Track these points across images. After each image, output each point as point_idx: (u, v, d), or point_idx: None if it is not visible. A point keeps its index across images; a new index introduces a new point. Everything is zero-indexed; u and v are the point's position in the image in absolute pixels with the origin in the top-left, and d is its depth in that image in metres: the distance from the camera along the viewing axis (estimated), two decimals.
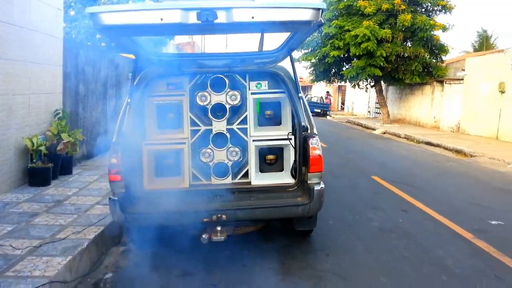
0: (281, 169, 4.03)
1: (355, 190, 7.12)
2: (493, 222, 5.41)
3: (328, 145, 12.88)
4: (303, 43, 19.71)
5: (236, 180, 3.96)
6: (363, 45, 16.86)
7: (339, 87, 36.10)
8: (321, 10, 2.70)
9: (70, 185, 6.18)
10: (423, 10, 18.80)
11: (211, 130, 3.92)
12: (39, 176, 6.04)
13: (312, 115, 15.83)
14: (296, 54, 20.33)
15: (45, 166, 6.06)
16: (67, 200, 5.38)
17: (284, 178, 3.90)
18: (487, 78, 14.76)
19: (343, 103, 36.47)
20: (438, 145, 13.42)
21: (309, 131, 3.73)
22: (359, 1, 17.80)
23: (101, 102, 9.09)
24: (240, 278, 3.68)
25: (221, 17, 2.63)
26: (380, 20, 17.74)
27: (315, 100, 30.14)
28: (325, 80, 21.79)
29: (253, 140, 3.89)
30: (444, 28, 18.00)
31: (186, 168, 3.83)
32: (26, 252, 3.67)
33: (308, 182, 3.66)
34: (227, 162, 3.91)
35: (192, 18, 2.63)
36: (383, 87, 21.89)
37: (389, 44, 17.55)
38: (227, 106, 3.89)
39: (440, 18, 19.10)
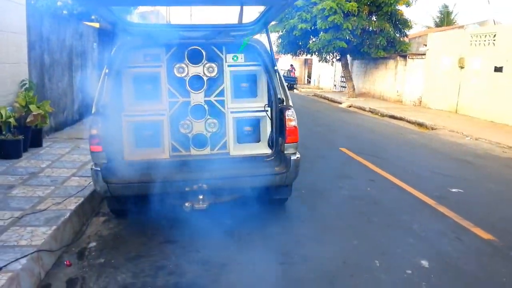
0: (258, 140, 4.17)
1: (325, 161, 7.40)
2: (454, 190, 5.82)
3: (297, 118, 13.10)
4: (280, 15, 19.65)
5: (215, 151, 4.08)
6: (330, 19, 17.01)
7: (306, 60, 36.30)
8: None
9: (42, 158, 6.11)
10: None
11: (189, 102, 3.99)
12: (10, 148, 5.92)
13: None
14: None
15: (16, 138, 5.94)
16: (41, 172, 5.34)
17: (262, 148, 4.05)
18: (448, 54, 15.32)
19: (309, 77, 36.78)
20: (401, 118, 13.96)
21: (285, 103, 3.87)
22: None
23: (67, 73, 8.85)
24: (222, 244, 3.86)
25: None
26: None
27: (282, 74, 30.25)
28: (291, 53, 21.83)
29: (231, 112, 4.00)
30: (408, 3, 18.37)
31: (166, 139, 3.90)
32: (9, 223, 3.69)
33: (285, 152, 3.83)
34: (206, 134, 4.01)
35: None
36: (348, 62, 22.25)
37: (355, 18, 17.78)
38: (205, 78, 3.96)
39: None
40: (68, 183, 4.96)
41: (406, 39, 19.60)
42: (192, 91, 3.97)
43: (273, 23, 20.10)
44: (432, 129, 11.89)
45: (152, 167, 3.80)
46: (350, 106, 18.25)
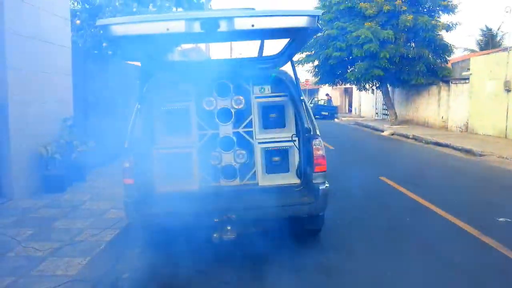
0: (287, 170, 4.16)
1: (363, 190, 7.22)
2: (501, 219, 5.47)
3: (335, 147, 12.98)
4: (305, 46, 19.90)
5: (244, 182, 4.10)
6: (365, 47, 16.97)
7: (346, 89, 36.14)
8: (317, 17, 2.85)
9: (84, 191, 6.37)
10: (425, 10, 18.86)
11: (218, 133, 4.07)
12: (55, 182, 6.23)
13: (320, 118, 16.21)
14: (298, 56, 20.51)
15: (60, 173, 6.25)
16: (82, 205, 5.57)
17: (290, 178, 4.03)
18: (492, 77, 14.78)
19: (350, 106, 36.50)
20: (446, 145, 13.45)
21: (312, 133, 3.87)
22: (360, 3, 17.92)
23: (111, 110, 9.29)
24: (251, 275, 3.82)
25: (223, 26, 2.80)
26: (382, 21, 17.85)
27: (322, 103, 30.24)
28: (329, 83, 21.85)
29: (259, 143, 4.04)
30: (448, 28, 18.04)
31: (195, 171, 3.98)
32: (48, 254, 3.84)
33: (313, 181, 3.79)
34: (235, 164, 4.06)
35: (196, 28, 2.80)
36: (389, 89, 21.96)
37: (392, 45, 17.64)
38: (232, 110, 4.05)
39: (445, 18, 19.07)
40: (107, 215, 5.12)
41: (448, 65, 19.14)
42: (220, 123, 4.06)
43: (307, 53, 20.37)
44: (480, 155, 11.34)
45: (182, 198, 3.87)
46: (392, 134, 17.84)
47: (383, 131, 18.83)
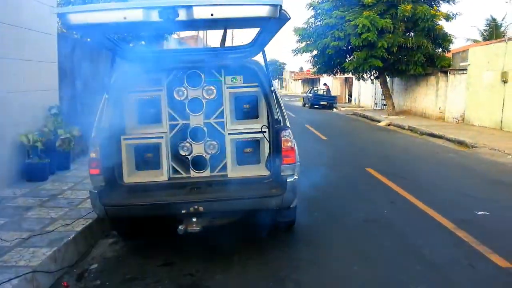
0: (258, 162, 4.13)
1: (346, 182, 7.20)
2: (480, 213, 5.44)
3: (329, 138, 12.94)
4: (304, 34, 19.73)
5: (215, 173, 4.08)
6: (363, 36, 16.81)
7: (346, 79, 35.93)
8: (279, 6, 2.78)
9: (67, 180, 6.36)
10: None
11: (189, 124, 4.03)
12: (36, 171, 6.23)
13: (319, 108, 16.17)
14: (296, 45, 20.36)
15: (42, 161, 6.24)
16: (61, 194, 5.56)
17: (260, 170, 4.00)
18: (490, 68, 14.62)
19: (350, 95, 36.30)
20: (440, 137, 13.38)
21: (282, 124, 3.82)
22: None
23: (100, 98, 9.23)
24: (218, 268, 3.82)
25: (182, 15, 2.75)
26: (381, 10, 17.63)
27: (321, 93, 30.06)
28: (327, 73, 21.70)
29: (229, 134, 4.00)
30: (448, 17, 17.81)
31: (164, 162, 3.95)
32: (15, 244, 3.84)
33: (282, 173, 3.76)
34: (205, 156, 4.03)
35: (154, 16, 2.75)
36: (388, 79, 21.80)
37: (390, 35, 17.46)
38: (204, 101, 4.00)
39: (445, 7, 18.81)
40: (83, 204, 5.11)
41: (449, 54, 18.93)
42: (191, 113, 4.02)
43: (306, 42, 20.18)
44: (472, 147, 11.28)
45: (150, 189, 3.86)
46: (389, 125, 17.76)
47: (379, 122, 18.74)
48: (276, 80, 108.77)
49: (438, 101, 18.71)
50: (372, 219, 5.17)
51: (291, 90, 74.31)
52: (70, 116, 7.68)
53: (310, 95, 29.65)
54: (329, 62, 20.20)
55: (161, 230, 4.31)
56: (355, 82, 31.17)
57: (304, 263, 3.90)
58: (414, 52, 17.95)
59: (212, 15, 2.74)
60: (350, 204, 5.79)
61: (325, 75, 29.85)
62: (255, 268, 3.82)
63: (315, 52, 20.15)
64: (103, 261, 4.06)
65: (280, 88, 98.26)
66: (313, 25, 19.69)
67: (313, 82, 53.50)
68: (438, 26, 17.77)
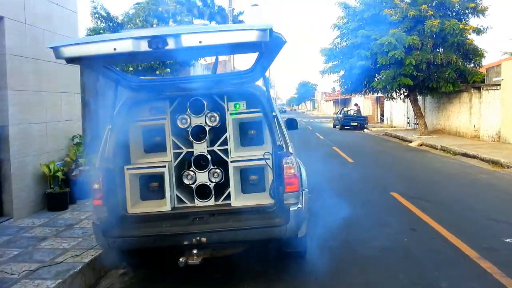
0: (264, 190, 4.04)
1: (368, 207, 6.95)
2: (508, 240, 5.09)
3: (355, 161, 12.65)
4: (331, 55, 19.64)
5: (219, 202, 4.01)
6: (390, 54, 16.52)
7: (377, 98, 35.36)
8: (268, 30, 2.73)
9: (86, 209, 6.46)
10: (453, 14, 18.17)
11: (192, 152, 4.01)
12: (57, 200, 6.37)
13: (350, 129, 15.91)
14: (323, 66, 20.27)
15: (62, 191, 6.39)
16: (77, 224, 5.64)
17: (265, 198, 3.90)
18: None
19: (382, 115, 35.62)
20: (474, 157, 12.80)
21: (284, 150, 3.73)
22: (384, 10, 17.50)
23: None
24: None
25: (171, 44, 2.75)
26: (407, 27, 17.35)
27: (352, 113, 29.65)
28: (356, 92, 21.43)
29: (232, 161, 3.94)
30: (478, 31, 17.29)
31: (167, 191, 3.93)
32: (22, 276, 3.88)
33: (285, 202, 3.65)
34: (209, 184, 3.98)
35: (144, 46, 2.77)
36: (420, 97, 21.26)
37: (418, 52, 17.09)
38: (207, 128, 3.98)
39: (475, 21, 18.28)
40: None
41: (482, 69, 18.30)
42: (195, 141, 3.99)
43: (334, 62, 20.07)
44: (508, 167, 10.71)
45: (153, 220, 3.83)
46: (421, 145, 17.22)
47: (411, 142, 18.21)
48: (309, 102, 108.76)
49: (472, 119, 18.01)
50: (389, 248, 4.92)
51: (323, 111, 73.89)
52: (92, 145, 7.88)
53: (340, 116, 29.29)
54: (357, 82, 19.95)
55: (170, 260, 4.26)
56: (387, 102, 30.63)
57: None
58: (444, 68, 17.45)
59: (200, 42, 2.73)
60: (368, 232, 5.55)
61: (357, 95, 29.52)
62: None
63: (342, 72, 19.98)
64: None
65: (312, 110, 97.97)
66: (339, 46, 19.59)
67: (344, 102, 52.99)
68: (468, 40, 17.26)
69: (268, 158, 3.81)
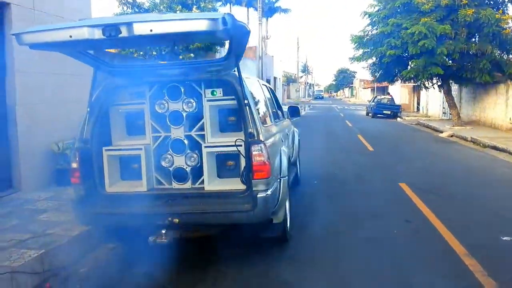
0: (238, 176, 4.07)
1: (369, 197, 6.84)
2: (505, 238, 4.89)
3: (375, 149, 12.41)
4: (361, 42, 19.16)
5: (196, 185, 4.09)
6: (420, 43, 15.92)
7: (414, 87, 34.20)
8: (219, 20, 2.73)
9: None
10: (491, 2, 17.20)
11: (170, 136, 4.09)
12: (65, 176, 6.66)
13: (383, 117, 15.74)
14: (353, 53, 19.83)
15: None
16: None
17: (237, 184, 3.94)
18: None
19: (418, 104, 34.50)
20: (503, 150, 12.23)
21: (255, 138, 3.74)
22: None
23: None
24: (191, 281, 3.83)
25: (124, 32, 2.82)
26: (440, 16, 16.62)
27: (385, 102, 28.89)
28: (387, 81, 20.84)
29: (205, 147, 3.99)
30: None
31: (144, 172, 4.04)
32: (11, 245, 4.13)
33: (253, 189, 3.68)
34: (186, 168, 4.05)
35: (98, 34, 2.85)
36: (455, 87, 20.43)
37: (450, 41, 16.36)
38: (184, 114, 4.04)
39: None
40: None
41: None
42: (172, 126, 4.07)
43: (364, 50, 19.58)
44: None
45: (129, 199, 3.96)
46: (451, 136, 16.62)
47: (442, 132, 17.61)
48: (347, 89, 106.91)
49: (508, 111, 17.13)
50: (375, 239, 4.86)
51: (361, 99, 72.47)
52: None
53: (373, 104, 28.64)
54: (387, 71, 19.41)
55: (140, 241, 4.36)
56: (423, 91, 29.62)
57: (278, 283, 3.77)
58: (479, 58, 16.64)
59: (151, 30, 2.78)
60: (359, 222, 5.48)
61: (394, 83, 28.73)
62: (228, 283, 3.76)
63: (371, 60, 19.49)
64: (93, 267, 4.24)
65: (350, 97, 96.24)
66: (369, 33, 19.06)
67: (383, 90, 51.64)
68: (505, 30, 16.32)
69: (241, 145, 3.84)
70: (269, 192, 3.72)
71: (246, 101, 3.76)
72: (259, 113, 4.14)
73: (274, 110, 5.70)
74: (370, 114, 28.87)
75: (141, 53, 13.82)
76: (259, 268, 4.06)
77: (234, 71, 3.87)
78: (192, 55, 13.38)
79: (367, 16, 19.07)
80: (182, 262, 4.21)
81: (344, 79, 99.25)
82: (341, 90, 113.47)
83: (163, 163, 4.11)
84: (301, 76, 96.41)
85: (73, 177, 3.90)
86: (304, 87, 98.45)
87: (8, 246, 4.11)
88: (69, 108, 7.10)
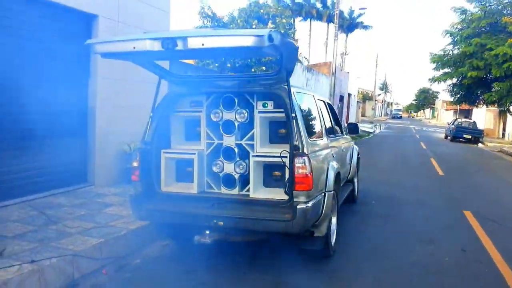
0: (283, 186, 4.20)
1: (428, 222, 6.59)
2: None
3: (446, 174, 11.83)
4: (441, 62, 18.37)
5: (243, 192, 4.29)
6: (505, 65, 14.89)
7: (500, 111, 31.82)
8: (264, 36, 2.93)
9: None
10: None
11: (222, 144, 4.35)
12: None
13: (463, 141, 15.16)
14: (433, 73, 19.04)
15: None
16: None
17: (281, 194, 4.07)
18: None
19: (504, 130, 32.00)
20: None
21: (300, 151, 3.86)
22: (503, 18, 15.79)
23: None
24: (229, 283, 4.03)
25: (180, 45, 3.13)
26: None
27: (466, 125, 27.19)
28: (467, 103, 19.69)
29: (253, 156, 4.19)
30: None
31: (195, 176, 4.32)
32: (76, 232, 4.63)
33: (294, 199, 3.80)
34: (234, 174, 4.28)
35: (157, 46, 3.20)
36: None
37: None
38: (236, 123, 4.28)
39: None
40: None
41: None
42: (225, 134, 4.34)
43: (446, 70, 18.77)
44: None
45: (180, 200, 4.27)
46: None
47: None
48: (428, 110, 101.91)
49: None
50: (422, 264, 4.71)
51: (442, 121, 68.69)
52: None
53: (453, 126, 27.04)
54: (468, 92, 18.40)
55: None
56: (510, 116, 27.47)
57: None
58: None
59: (203, 44, 3.06)
60: (410, 247, 5.32)
61: (479, 106, 27.10)
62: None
63: (450, 81, 18.59)
64: (146, 259, 4.61)
65: (431, 118, 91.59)
66: (450, 53, 18.22)
67: (467, 113, 48.72)
68: None
69: (286, 156, 3.98)
70: (309, 204, 3.81)
71: (293, 115, 3.91)
72: (307, 127, 4.26)
73: (330, 126, 5.77)
74: (449, 138, 27.33)
75: (216, 64, 14.50)
76: (297, 278, 4.15)
77: (285, 85, 4.03)
78: (264, 68, 13.79)
79: (448, 35, 18.28)
80: (224, 264, 4.43)
81: (425, 99, 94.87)
82: (422, 111, 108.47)
83: (214, 169, 4.37)
84: (379, 94, 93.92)
85: (133, 174, 4.30)
86: (382, 105, 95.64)
87: (75, 232, 4.61)
88: (143, 113, 7.70)
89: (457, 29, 18.15)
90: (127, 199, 6.02)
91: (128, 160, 7.27)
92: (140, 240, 4.94)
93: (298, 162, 3.80)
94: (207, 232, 3.95)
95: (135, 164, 4.29)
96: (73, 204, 5.77)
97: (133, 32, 7.21)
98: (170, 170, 4.52)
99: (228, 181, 4.32)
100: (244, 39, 3.02)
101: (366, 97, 67.87)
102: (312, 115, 4.88)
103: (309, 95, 5.15)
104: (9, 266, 3.58)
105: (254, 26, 14.13)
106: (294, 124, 3.92)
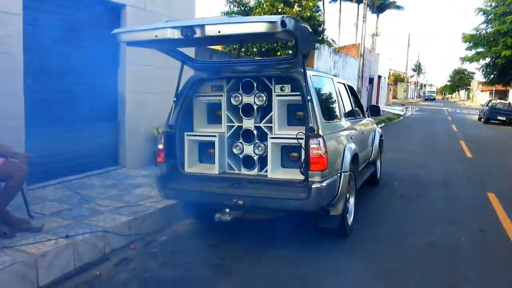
0: (300, 167, 4.37)
1: (450, 203, 6.61)
2: None
3: (474, 157, 11.64)
4: (473, 41, 17.83)
5: (262, 172, 4.49)
6: None
7: None
8: (277, 22, 3.08)
9: None
10: None
11: (242, 126, 4.55)
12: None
13: (496, 123, 15.02)
14: (465, 52, 18.48)
15: None
16: None
17: (297, 174, 4.24)
18: None
19: None
20: None
21: (315, 132, 4.01)
22: None
23: None
24: (249, 258, 4.26)
25: (198, 33, 3.33)
26: None
27: (501, 106, 26.29)
28: (501, 83, 19.06)
29: (271, 138, 4.36)
30: None
31: (217, 158, 4.55)
32: (107, 210, 4.96)
33: (309, 179, 3.96)
34: (254, 156, 4.48)
35: (177, 34, 3.42)
36: None
37: None
38: (255, 106, 4.46)
39: None
40: None
41: None
42: (244, 117, 4.53)
43: (478, 49, 18.22)
44: None
45: (202, 180, 4.52)
46: None
47: None
48: (463, 91, 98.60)
49: None
50: (439, 244, 4.80)
51: (477, 102, 66.41)
52: None
53: (486, 108, 26.25)
54: (501, 72, 17.79)
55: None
56: None
57: (329, 271, 4.02)
58: None
59: (219, 32, 3.24)
60: (430, 227, 5.40)
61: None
62: (282, 266, 4.12)
63: (483, 61, 18.01)
64: (171, 236, 4.90)
65: (466, 100, 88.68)
66: (483, 32, 17.60)
67: (504, 94, 47.02)
68: None
69: (302, 138, 4.13)
70: (324, 184, 3.97)
71: (309, 97, 4.05)
72: (323, 109, 4.39)
73: (350, 108, 5.86)
74: (482, 120, 26.56)
75: (243, 49, 14.62)
76: (315, 255, 4.34)
77: (301, 68, 4.16)
78: (290, 51, 13.85)
79: (481, 13, 17.64)
80: (244, 241, 4.68)
81: (460, 80, 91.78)
82: (456, 92, 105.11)
83: (234, 150, 4.59)
84: (412, 76, 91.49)
85: (159, 156, 4.56)
86: (415, 87, 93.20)
87: (105, 211, 4.95)
88: (167, 97, 7.98)
89: (490, 7, 17.48)
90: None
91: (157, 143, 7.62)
92: (167, 219, 5.24)
93: (313, 143, 3.95)
94: (227, 210, 4.17)
95: (160, 146, 4.55)
96: (105, 185, 6.13)
97: (159, 20, 7.44)
98: (193, 152, 4.77)
99: (248, 162, 4.53)
100: (258, 25, 3.18)
101: (398, 79, 66.30)
102: (329, 97, 5.00)
103: (327, 78, 5.26)
104: (46, 240, 3.93)
105: (280, 10, 14.15)
106: (310, 106, 4.06)
